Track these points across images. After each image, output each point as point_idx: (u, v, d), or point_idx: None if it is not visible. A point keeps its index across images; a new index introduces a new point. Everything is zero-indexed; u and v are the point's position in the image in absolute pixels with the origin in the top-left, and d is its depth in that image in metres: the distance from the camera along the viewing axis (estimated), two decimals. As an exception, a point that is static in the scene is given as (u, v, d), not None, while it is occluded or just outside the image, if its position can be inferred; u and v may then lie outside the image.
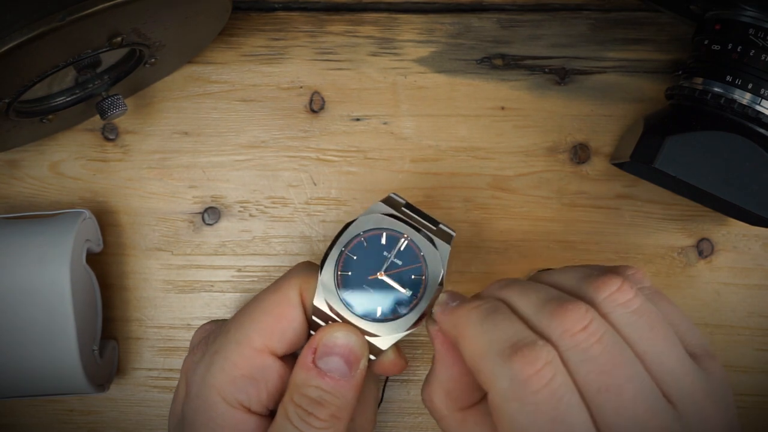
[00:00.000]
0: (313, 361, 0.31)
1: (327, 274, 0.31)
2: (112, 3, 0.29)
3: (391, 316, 0.31)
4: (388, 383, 0.41)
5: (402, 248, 0.31)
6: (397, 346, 0.32)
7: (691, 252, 0.41)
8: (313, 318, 0.32)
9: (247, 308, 0.33)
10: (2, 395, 0.38)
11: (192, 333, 0.42)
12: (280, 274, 0.41)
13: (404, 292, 0.31)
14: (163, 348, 0.42)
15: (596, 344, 0.26)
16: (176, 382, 0.42)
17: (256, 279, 0.42)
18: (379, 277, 0.31)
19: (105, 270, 0.42)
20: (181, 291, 0.42)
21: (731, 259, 0.41)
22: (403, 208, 0.32)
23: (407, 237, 0.31)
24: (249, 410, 0.32)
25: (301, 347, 0.32)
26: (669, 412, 0.26)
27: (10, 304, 0.35)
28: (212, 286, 0.42)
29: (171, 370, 0.42)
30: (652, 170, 0.34)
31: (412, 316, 0.31)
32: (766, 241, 0.41)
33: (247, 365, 0.32)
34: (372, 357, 0.31)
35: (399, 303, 0.31)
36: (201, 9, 0.36)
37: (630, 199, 0.41)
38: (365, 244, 0.31)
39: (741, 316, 0.41)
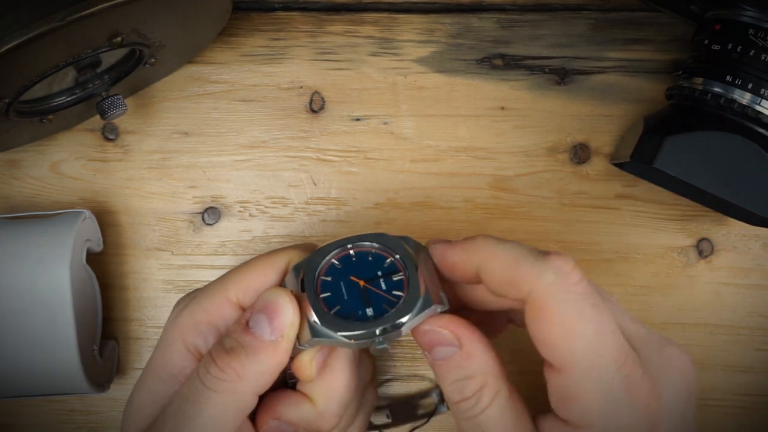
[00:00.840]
0: (247, 318, 0.30)
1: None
2: (111, 3, 0.29)
3: (347, 318, 0.30)
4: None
5: (394, 279, 0.30)
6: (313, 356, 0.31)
7: (691, 252, 0.41)
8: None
9: (239, 264, 0.33)
10: (2, 395, 0.38)
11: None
12: (280, 274, 0.41)
13: (372, 302, 0.30)
14: (163, 348, 0.42)
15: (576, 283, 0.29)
16: (176, 382, 0.42)
17: (256, 279, 0.42)
18: (358, 283, 0.31)
19: (105, 270, 0.42)
20: (182, 291, 0.42)
21: (731, 259, 0.41)
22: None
23: (405, 272, 0.30)
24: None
25: None
26: None
27: (10, 304, 0.35)
28: (212, 286, 0.42)
29: (171, 370, 0.42)
30: (652, 170, 0.34)
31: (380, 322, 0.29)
32: (766, 241, 0.41)
33: (215, 313, 0.32)
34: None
35: (363, 310, 0.30)
36: (201, 9, 0.36)
37: (630, 199, 0.41)
38: (372, 252, 0.31)
39: (741, 316, 0.41)
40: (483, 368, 0.29)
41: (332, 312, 0.30)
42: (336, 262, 0.31)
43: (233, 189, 0.42)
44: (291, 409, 0.32)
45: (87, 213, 0.39)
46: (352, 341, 0.29)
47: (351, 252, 0.31)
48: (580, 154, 0.41)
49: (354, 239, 0.32)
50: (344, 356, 0.32)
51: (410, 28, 0.41)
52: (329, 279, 0.31)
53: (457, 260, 0.31)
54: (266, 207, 0.42)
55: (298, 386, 0.33)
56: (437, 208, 0.41)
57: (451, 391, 0.29)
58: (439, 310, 0.30)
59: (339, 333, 0.29)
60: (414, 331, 0.30)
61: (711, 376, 0.41)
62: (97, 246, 0.40)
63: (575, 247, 0.41)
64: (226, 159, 0.42)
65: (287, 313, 0.30)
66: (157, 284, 0.42)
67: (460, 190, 0.41)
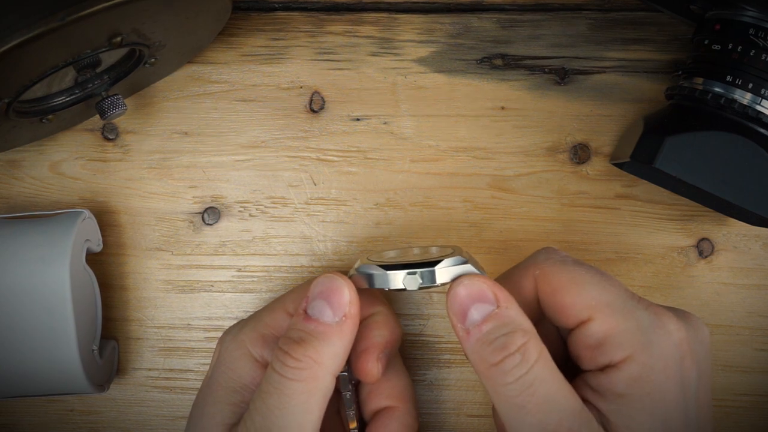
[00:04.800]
0: (304, 308, 0.31)
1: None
2: (111, 3, 0.29)
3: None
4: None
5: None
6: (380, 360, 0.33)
7: (691, 252, 0.41)
8: None
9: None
10: (2, 395, 0.38)
11: (192, 333, 0.42)
12: (281, 274, 0.42)
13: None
14: (163, 348, 0.42)
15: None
16: (176, 382, 0.42)
17: (256, 279, 0.42)
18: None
19: (105, 270, 0.42)
20: (181, 291, 0.42)
21: (731, 259, 0.41)
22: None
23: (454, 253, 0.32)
24: None
25: None
26: None
27: (10, 304, 0.35)
28: (212, 286, 0.42)
29: (171, 370, 0.42)
30: (652, 170, 0.34)
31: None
32: (766, 241, 0.41)
33: (278, 326, 0.33)
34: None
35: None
36: (201, 9, 0.35)
37: (630, 199, 0.41)
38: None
39: (741, 316, 0.41)
40: (524, 324, 0.29)
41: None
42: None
43: (233, 189, 0.42)
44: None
45: (87, 213, 0.39)
46: (388, 270, 0.31)
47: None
48: (580, 154, 0.41)
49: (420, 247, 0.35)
50: (399, 358, 0.34)
51: (410, 28, 0.41)
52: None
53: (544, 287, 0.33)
54: (266, 207, 0.42)
55: (364, 397, 0.35)
56: (437, 208, 0.41)
57: (492, 351, 0.29)
58: (473, 269, 0.31)
59: (379, 267, 0.31)
60: (451, 294, 0.30)
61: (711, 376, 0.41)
62: (97, 246, 0.40)
63: (575, 247, 0.41)
64: (226, 159, 0.42)
65: (344, 292, 0.31)
66: (156, 284, 0.42)
67: (460, 190, 0.41)
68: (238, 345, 0.33)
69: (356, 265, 0.33)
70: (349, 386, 0.34)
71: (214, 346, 0.42)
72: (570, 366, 0.32)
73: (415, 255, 0.34)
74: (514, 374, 0.28)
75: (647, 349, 0.29)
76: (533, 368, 0.28)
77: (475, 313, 0.29)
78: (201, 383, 0.35)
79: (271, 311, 0.34)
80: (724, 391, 0.41)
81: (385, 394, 0.35)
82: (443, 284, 0.31)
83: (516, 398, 0.28)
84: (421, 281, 0.30)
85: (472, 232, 0.41)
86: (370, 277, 0.32)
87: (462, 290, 0.30)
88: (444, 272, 0.31)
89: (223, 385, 0.33)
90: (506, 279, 0.33)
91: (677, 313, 0.31)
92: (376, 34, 0.41)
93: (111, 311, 0.42)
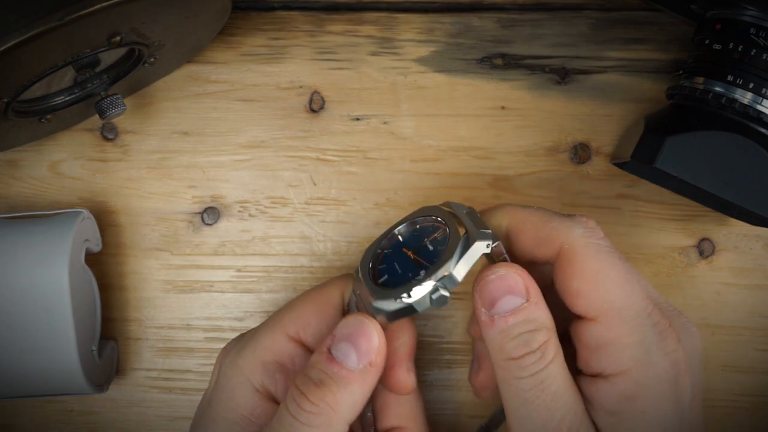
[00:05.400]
0: (329, 347, 0.30)
1: (363, 263, 0.31)
2: (110, 2, 0.29)
3: (403, 284, 0.29)
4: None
5: (438, 237, 0.30)
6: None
7: (691, 252, 0.41)
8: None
9: (288, 302, 0.34)
10: (1, 396, 0.37)
11: (191, 333, 0.42)
12: (281, 275, 0.41)
13: (426, 264, 0.29)
14: (163, 348, 0.42)
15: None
16: (175, 382, 0.42)
17: (255, 279, 0.42)
18: (408, 254, 0.30)
19: (104, 270, 0.41)
20: (181, 291, 0.42)
21: (732, 260, 0.41)
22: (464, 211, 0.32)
23: (446, 227, 0.30)
24: (272, 399, 0.32)
25: None
26: None
27: (9, 305, 0.35)
28: (212, 286, 0.42)
29: (170, 370, 0.42)
30: (653, 170, 0.34)
31: (427, 284, 0.29)
32: (767, 241, 0.41)
33: (279, 351, 0.32)
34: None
35: (416, 273, 0.29)
36: (200, 9, 0.35)
37: (631, 199, 0.41)
38: (416, 227, 0.31)
39: (742, 317, 0.41)
40: (549, 322, 0.29)
41: (384, 283, 0.30)
42: (388, 250, 0.31)
43: (233, 189, 0.42)
44: None
45: (86, 213, 0.39)
46: (410, 298, 0.28)
47: (398, 236, 0.32)
48: (580, 153, 0.41)
49: (397, 223, 0.32)
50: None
51: (410, 28, 0.41)
52: (384, 266, 0.31)
53: (504, 224, 0.31)
54: (266, 207, 0.42)
55: (374, 416, 0.34)
56: (437, 208, 0.41)
57: (514, 346, 0.29)
58: (485, 246, 0.29)
59: (398, 298, 0.29)
60: (483, 280, 0.29)
61: (712, 377, 0.41)
62: (96, 246, 0.40)
63: (576, 247, 0.41)
64: (226, 159, 0.42)
65: (373, 338, 0.29)
66: (156, 284, 0.42)
67: (460, 190, 0.41)
68: (237, 372, 0.32)
69: (362, 292, 0.31)
70: (369, 405, 0.33)
71: (214, 346, 0.42)
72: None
73: (413, 249, 0.31)
74: (530, 370, 0.28)
75: (644, 368, 0.29)
76: (549, 366, 0.28)
77: (504, 304, 0.29)
78: (200, 400, 0.34)
79: (271, 333, 0.32)
80: (724, 392, 0.41)
81: (395, 413, 0.34)
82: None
83: (527, 392, 0.28)
84: (447, 294, 0.29)
85: (472, 232, 0.41)
86: (396, 314, 0.29)
87: (494, 280, 0.29)
88: (461, 268, 0.29)
89: (222, 416, 0.32)
90: (528, 224, 0.31)
91: (674, 322, 0.30)
92: (376, 34, 0.41)
93: (110, 311, 0.42)
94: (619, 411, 0.29)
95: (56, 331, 0.35)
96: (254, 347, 0.32)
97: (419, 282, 0.29)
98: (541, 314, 0.29)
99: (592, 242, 0.30)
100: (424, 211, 0.32)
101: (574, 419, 0.29)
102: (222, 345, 0.34)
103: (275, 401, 0.32)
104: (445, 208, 0.31)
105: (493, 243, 0.29)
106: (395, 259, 0.31)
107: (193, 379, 0.42)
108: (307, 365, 0.30)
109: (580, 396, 0.29)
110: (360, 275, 0.31)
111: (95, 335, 0.39)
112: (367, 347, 0.29)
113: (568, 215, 0.31)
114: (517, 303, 0.29)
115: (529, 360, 0.28)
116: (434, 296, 0.28)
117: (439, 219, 0.31)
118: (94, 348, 0.39)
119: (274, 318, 0.33)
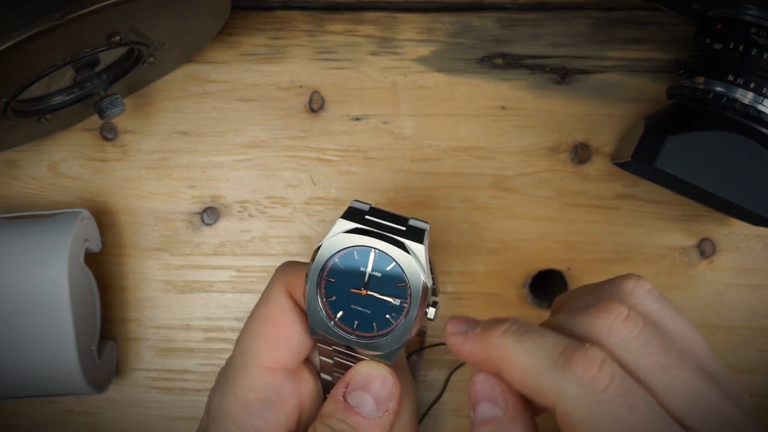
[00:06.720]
0: (344, 395, 0.30)
1: (313, 306, 0.30)
2: (110, 2, 0.29)
3: (386, 329, 0.29)
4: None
5: (376, 260, 0.29)
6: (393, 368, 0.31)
7: (692, 252, 0.41)
8: (317, 344, 0.31)
9: (244, 330, 0.32)
10: (1, 396, 0.37)
11: (191, 333, 0.42)
12: (280, 275, 0.41)
13: (393, 302, 0.29)
14: (162, 348, 0.42)
15: (636, 338, 0.27)
16: (175, 382, 0.42)
17: (255, 279, 0.42)
18: (364, 294, 0.29)
19: (104, 270, 0.41)
20: (181, 291, 0.42)
21: (733, 260, 0.41)
22: (367, 216, 0.31)
23: (375, 248, 0.29)
24: None
25: (310, 351, 0.32)
26: None
27: (9, 305, 0.35)
28: (211, 286, 0.42)
29: (170, 370, 0.42)
30: (654, 170, 0.34)
31: (407, 323, 0.29)
32: (767, 241, 0.41)
33: (260, 387, 0.31)
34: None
35: (391, 314, 0.29)
36: (200, 8, 0.35)
37: (631, 199, 0.41)
38: (340, 265, 0.30)
39: (742, 317, 0.41)
40: None
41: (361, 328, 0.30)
42: (331, 298, 0.30)
43: (232, 189, 0.42)
44: None
45: (85, 213, 0.39)
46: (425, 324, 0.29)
47: (330, 281, 0.30)
48: (580, 153, 0.41)
49: (314, 270, 0.30)
50: (412, 383, 0.33)
51: (410, 27, 0.41)
52: (341, 313, 0.30)
53: (475, 355, 0.29)
54: (265, 207, 0.42)
55: None
56: (437, 208, 0.41)
57: None
58: (426, 234, 0.29)
59: (404, 335, 0.29)
60: (470, 381, 0.29)
61: (712, 377, 0.41)
62: (96, 246, 0.40)
63: (576, 247, 0.41)
64: (226, 159, 0.41)
65: (387, 384, 0.30)
66: (156, 284, 0.42)
67: (460, 190, 0.41)
68: (226, 420, 0.31)
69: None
70: None
71: (214, 347, 0.42)
72: None
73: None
74: None
75: None
76: None
77: (483, 411, 0.28)
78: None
79: (246, 371, 0.32)
80: (725, 392, 0.41)
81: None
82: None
83: None
84: (437, 298, 0.29)
85: (472, 232, 0.41)
86: (398, 349, 0.30)
87: (477, 385, 0.28)
88: (427, 271, 0.29)
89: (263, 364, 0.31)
90: (516, 374, 0.27)
91: None
92: (376, 34, 0.41)
93: (110, 311, 0.42)
94: None
95: (56, 332, 0.35)
96: (235, 392, 0.31)
97: (412, 312, 0.29)
98: (516, 430, 0.28)
99: (589, 403, 0.25)
100: (335, 244, 0.30)
101: None
102: (222, 345, 0.34)
103: None
104: (365, 227, 0.30)
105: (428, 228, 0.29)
106: (349, 303, 0.30)
107: (192, 380, 0.42)
108: (324, 414, 0.30)
109: None
110: (332, 336, 0.30)
111: (95, 335, 0.39)
112: (385, 395, 0.30)
113: (565, 359, 0.25)
114: (494, 413, 0.28)
115: None
116: (434, 309, 0.30)
117: (359, 245, 0.30)
118: (94, 348, 0.38)
119: (242, 355, 0.32)
